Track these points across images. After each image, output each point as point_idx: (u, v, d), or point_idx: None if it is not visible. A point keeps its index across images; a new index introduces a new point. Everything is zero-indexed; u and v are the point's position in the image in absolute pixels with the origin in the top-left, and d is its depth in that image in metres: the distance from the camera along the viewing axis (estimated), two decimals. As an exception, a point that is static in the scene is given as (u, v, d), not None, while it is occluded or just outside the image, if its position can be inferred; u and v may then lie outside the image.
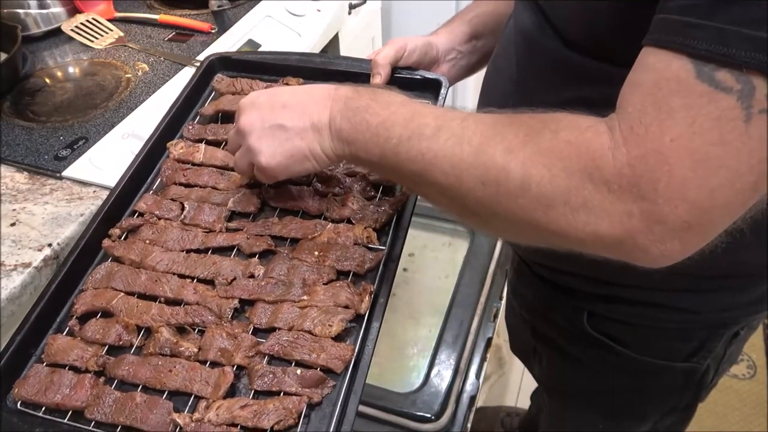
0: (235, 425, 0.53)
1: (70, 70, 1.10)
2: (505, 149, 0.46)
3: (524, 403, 1.56)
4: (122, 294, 0.63)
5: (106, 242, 0.68)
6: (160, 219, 0.70)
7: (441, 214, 1.53)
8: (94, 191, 0.82)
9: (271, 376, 0.56)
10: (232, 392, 0.57)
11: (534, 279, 0.83)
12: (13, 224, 0.77)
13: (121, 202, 0.72)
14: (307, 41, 1.22)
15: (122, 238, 0.70)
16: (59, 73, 1.09)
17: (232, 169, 0.74)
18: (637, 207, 0.42)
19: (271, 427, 0.53)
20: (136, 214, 0.71)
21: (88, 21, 1.17)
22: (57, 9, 1.18)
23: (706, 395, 0.84)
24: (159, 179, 0.75)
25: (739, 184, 0.40)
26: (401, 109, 0.53)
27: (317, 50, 1.27)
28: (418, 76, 0.80)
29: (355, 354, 0.57)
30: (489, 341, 1.26)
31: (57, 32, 1.17)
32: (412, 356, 1.27)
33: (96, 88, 1.03)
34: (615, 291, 0.72)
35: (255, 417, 0.53)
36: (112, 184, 0.81)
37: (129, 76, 1.05)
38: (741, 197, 0.41)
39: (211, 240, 0.67)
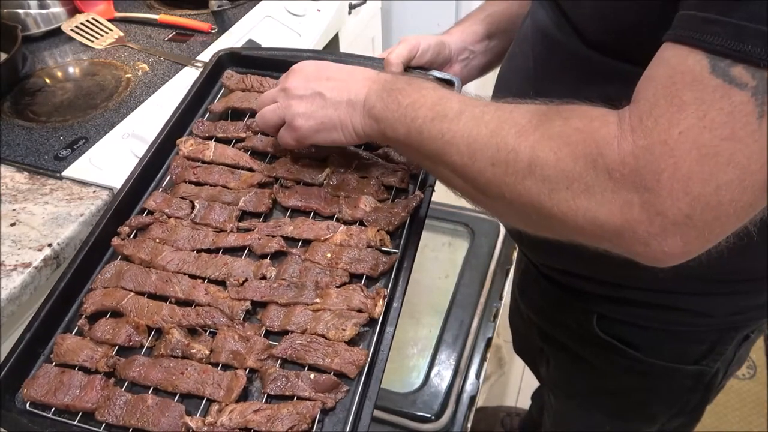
0: (248, 429, 0.53)
1: (70, 70, 1.10)
2: (516, 132, 0.47)
3: (524, 403, 1.56)
4: (132, 294, 0.62)
5: (115, 241, 0.67)
6: (170, 217, 0.69)
7: (441, 214, 1.53)
8: (94, 191, 0.82)
9: (284, 380, 0.55)
10: (244, 396, 0.56)
11: (543, 281, 0.83)
12: (13, 224, 0.77)
13: (130, 199, 0.71)
14: (307, 41, 1.22)
15: (131, 237, 0.69)
16: (59, 73, 1.09)
17: (243, 168, 0.74)
18: (638, 197, 0.41)
19: None
20: (146, 212, 0.70)
21: (88, 21, 1.17)
22: (57, 9, 1.17)
23: (714, 397, 0.84)
24: (168, 177, 0.74)
25: (748, 182, 0.40)
26: (431, 93, 0.56)
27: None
28: (430, 76, 0.79)
29: (369, 359, 0.56)
30: (489, 341, 1.26)
31: (57, 32, 1.17)
32: (412, 356, 1.27)
33: (96, 88, 1.03)
34: (625, 293, 0.72)
35: (268, 421, 0.52)
36: (113, 184, 0.81)
37: (129, 76, 1.05)
38: (749, 196, 0.40)
39: (222, 240, 0.66)
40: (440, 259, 1.47)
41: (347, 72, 0.64)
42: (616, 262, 0.52)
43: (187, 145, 0.76)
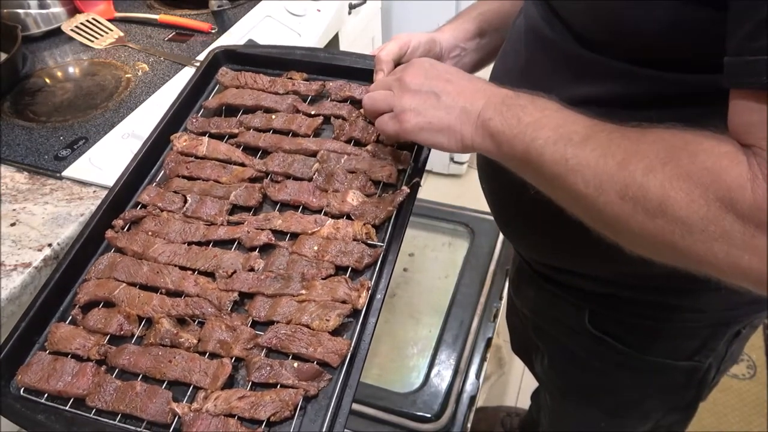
0: (232, 416, 0.54)
1: (70, 70, 1.10)
2: (645, 167, 0.46)
3: (524, 403, 1.56)
4: (124, 285, 0.64)
5: (109, 233, 0.69)
6: (162, 211, 0.71)
7: (441, 214, 1.53)
8: (94, 191, 0.82)
9: (268, 368, 0.57)
10: (230, 383, 0.57)
11: (536, 278, 0.83)
12: (13, 224, 0.77)
13: (125, 193, 0.73)
14: (307, 41, 1.23)
15: (125, 230, 0.70)
16: (59, 73, 1.09)
17: (234, 163, 0.75)
18: None
19: (268, 419, 0.53)
20: (140, 206, 0.72)
21: (88, 21, 1.17)
22: (57, 9, 1.18)
23: (708, 394, 0.85)
24: (162, 171, 0.76)
25: None
26: (555, 114, 0.54)
27: (317, 50, 1.27)
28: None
29: (351, 348, 0.57)
30: (489, 341, 1.27)
31: (57, 32, 1.17)
32: (412, 356, 1.28)
33: (96, 88, 1.03)
34: (617, 290, 0.72)
35: (252, 408, 0.54)
36: (112, 183, 0.81)
37: (129, 76, 1.05)
38: None
39: (213, 233, 0.68)
40: (440, 259, 1.47)
41: (468, 79, 0.62)
42: (608, 259, 0.52)
43: (180, 141, 0.77)
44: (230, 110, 0.82)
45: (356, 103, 0.81)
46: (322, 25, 1.28)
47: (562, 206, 0.54)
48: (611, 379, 0.83)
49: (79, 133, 0.92)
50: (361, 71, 0.82)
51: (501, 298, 1.34)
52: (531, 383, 1.25)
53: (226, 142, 0.78)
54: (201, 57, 1.08)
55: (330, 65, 0.85)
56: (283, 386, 0.56)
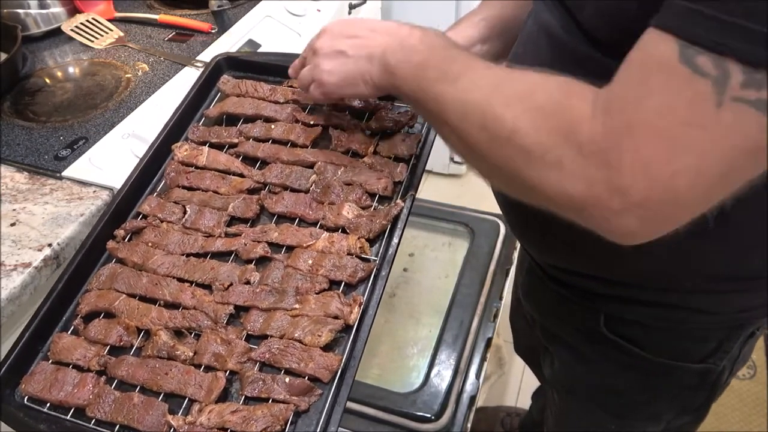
0: (224, 429, 0.56)
1: (70, 70, 1.10)
2: (504, 100, 0.50)
3: (524, 403, 1.56)
4: (124, 296, 0.66)
5: (110, 244, 0.70)
6: (162, 222, 0.73)
7: (441, 214, 1.53)
8: (94, 191, 0.82)
9: (261, 383, 0.58)
10: (224, 396, 0.59)
11: (548, 282, 0.83)
12: (13, 224, 0.77)
13: (127, 201, 0.75)
14: (307, 41, 1.22)
15: (126, 239, 0.72)
16: (59, 73, 1.09)
17: (234, 173, 0.77)
18: (602, 174, 0.43)
19: None
20: (140, 216, 0.74)
21: (88, 21, 1.18)
22: (57, 9, 1.18)
23: (719, 395, 0.84)
24: (163, 181, 0.78)
25: (705, 169, 0.41)
26: (439, 53, 0.60)
27: (318, 50, 1.27)
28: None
29: (342, 364, 0.59)
30: (489, 341, 1.27)
31: (57, 32, 1.17)
32: (412, 356, 1.28)
33: (96, 88, 1.03)
34: (632, 293, 0.71)
35: (244, 422, 0.56)
36: (112, 184, 0.82)
37: (129, 76, 1.05)
38: (705, 184, 0.42)
39: (211, 244, 0.70)
40: (440, 259, 1.47)
41: (370, 29, 0.68)
42: (627, 261, 0.52)
43: (181, 150, 0.79)
44: (230, 119, 0.83)
45: (354, 112, 0.82)
46: (322, 25, 1.28)
47: (447, 143, 0.59)
48: (622, 381, 0.83)
49: (79, 133, 0.92)
50: None
51: (501, 298, 1.34)
52: (531, 383, 1.25)
53: (225, 151, 0.79)
54: (201, 57, 1.08)
55: None
56: (274, 401, 0.57)
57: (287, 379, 0.58)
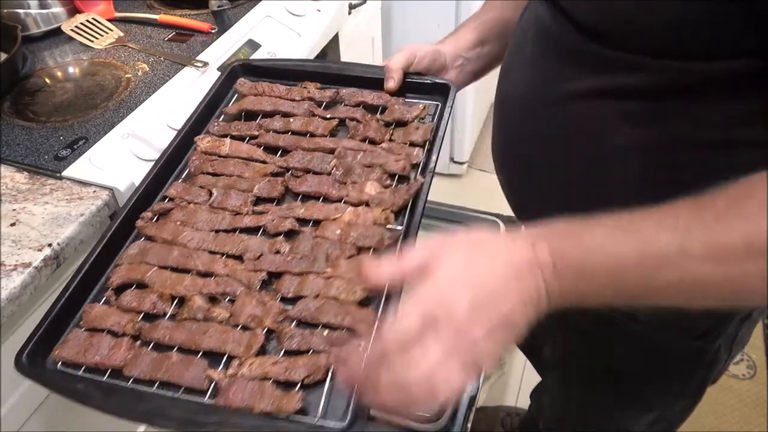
0: (267, 379, 0.56)
1: (70, 70, 1.10)
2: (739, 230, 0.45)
3: (524, 403, 1.56)
4: (156, 268, 0.67)
5: (139, 222, 0.72)
6: (189, 203, 0.74)
7: (441, 214, 1.52)
8: (94, 191, 0.82)
9: (299, 337, 0.59)
10: (262, 353, 0.60)
11: None
12: (13, 224, 0.77)
13: (152, 188, 0.76)
14: (307, 41, 1.22)
15: (154, 221, 0.73)
16: (59, 73, 1.09)
17: (256, 160, 0.79)
18: None
19: (302, 381, 0.56)
20: (167, 200, 0.75)
21: (88, 21, 1.17)
22: (57, 9, 1.18)
23: (717, 378, 0.85)
24: (187, 170, 0.80)
25: None
26: (595, 246, 0.48)
27: (317, 50, 1.27)
28: (428, 81, 0.87)
29: (378, 318, 0.60)
30: (489, 341, 1.26)
31: (57, 32, 1.17)
32: (412, 356, 1.27)
33: (96, 88, 1.03)
34: None
35: (286, 372, 0.57)
36: (113, 184, 0.82)
37: (129, 76, 1.05)
38: None
39: (239, 221, 0.72)
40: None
41: (479, 285, 0.48)
42: None
43: (204, 142, 0.82)
44: (249, 116, 0.87)
45: (369, 107, 0.86)
46: (322, 25, 1.28)
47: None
48: (620, 359, 0.83)
49: (79, 133, 0.92)
50: (372, 80, 0.88)
51: (501, 298, 1.34)
52: (531, 383, 1.25)
53: (247, 143, 0.82)
54: (201, 57, 1.08)
55: (342, 75, 0.90)
56: (315, 352, 0.58)
57: (326, 332, 0.59)
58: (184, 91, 1.01)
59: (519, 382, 1.69)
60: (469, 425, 1.16)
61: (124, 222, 0.72)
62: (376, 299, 0.63)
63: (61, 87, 1.05)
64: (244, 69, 0.94)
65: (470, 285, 0.47)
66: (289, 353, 0.59)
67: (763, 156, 0.52)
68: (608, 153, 0.63)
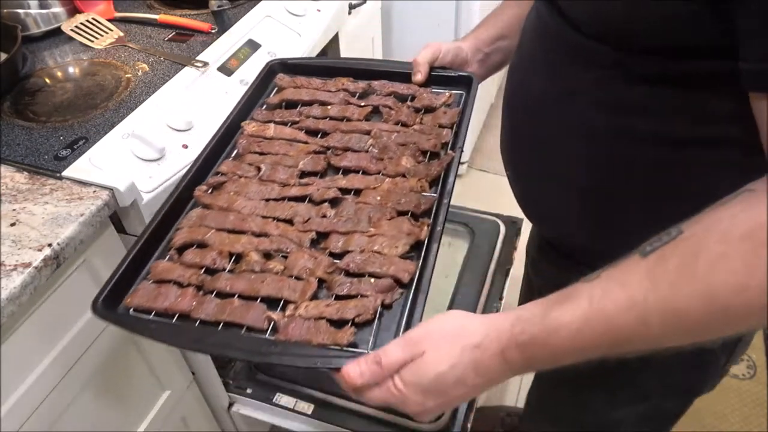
0: (321, 318, 0.63)
1: (70, 70, 1.10)
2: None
3: (524, 403, 1.56)
4: (214, 230, 0.74)
5: (197, 191, 0.79)
6: (240, 177, 0.82)
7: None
8: (94, 191, 0.82)
9: (349, 284, 0.66)
10: (314, 300, 0.66)
11: (560, 258, 0.87)
12: (13, 224, 0.77)
13: (203, 167, 0.83)
14: (307, 41, 1.23)
15: (209, 193, 0.80)
16: (59, 73, 1.09)
17: (299, 141, 0.87)
18: None
19: (353, 319, 0.63)
20: (219, 175, 0.83)
21: (88, 21, 1.18)
22: (57, 9, 1.18)
23: (717, 382, 0.86)
24: (235, 150, 0.87)
25: None
26: (558, 325, 0.52)
27: (317, 50, 1.28)
28: (452, 74, 0.95)
29: (418, 268, 0.67)
30: (489, 341, 1.26)
31: (57, 32, 1.18)
32: (413, 356, 1.27)
33: (96, 88, 1.03)
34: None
35: (338, 312, 0.63)
36: (113, 184, 0.82)
37: (129, 76, 1.05)
38: None
39: (287, 191, 0.79)
40: (440, 259, 1.46)
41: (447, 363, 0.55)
42: (634, 237, 0.53)
43: (250, 126, 0.89)
44: (289, 105, 0.94)
45: (399, 96, 0.94)
46: (322, 25, 1.28)
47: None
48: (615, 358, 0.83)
49: (79, 133, 0.92)
50: (400, 74, 0.96)
51: (501, 298, 1.34)
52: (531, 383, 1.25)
53: (289, 127, 0.90)
54: (201, 57, 1.08)
55: (371, 70, 0.99)
56: (362, 296, 0.65)
57: (372, 280, 0.66)
58: (184, 92, 1.01)
59: (519, 382, 1.68)
60: (469, 425, 1.16)
61: (179, 197, 0.78)
62: (415, 256, 0.70)
63: (61, 87, 1.05)
64: (281, 67, 1.02)
65: (432, 395, 0.56)
66: (339, 298, 0.65)
67: (759, 153, 0.52)
68: (608, 151, 0.66)
